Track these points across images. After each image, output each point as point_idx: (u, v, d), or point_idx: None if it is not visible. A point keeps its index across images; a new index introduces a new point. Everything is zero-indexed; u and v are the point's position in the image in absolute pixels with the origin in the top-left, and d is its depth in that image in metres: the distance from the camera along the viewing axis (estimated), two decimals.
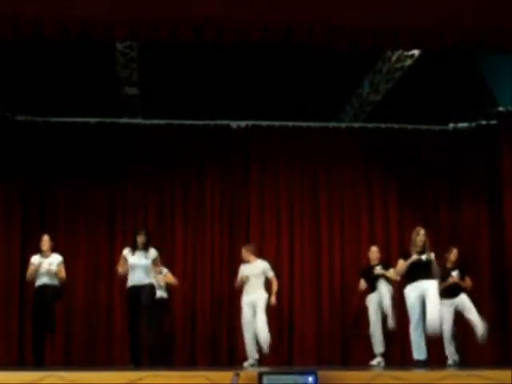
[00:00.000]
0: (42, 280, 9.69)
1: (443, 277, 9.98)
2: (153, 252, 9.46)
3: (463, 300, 9.90)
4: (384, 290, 10.17)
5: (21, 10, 7.42)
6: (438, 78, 10.46)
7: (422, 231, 9.45)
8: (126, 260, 9.38)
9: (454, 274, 10.02)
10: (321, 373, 6.93)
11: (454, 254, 10.16)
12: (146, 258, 9.47)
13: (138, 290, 9.32)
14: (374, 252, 10.43)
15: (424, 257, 9.34)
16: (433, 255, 9.38)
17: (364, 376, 7.40)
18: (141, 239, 9.41)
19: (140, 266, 9.43)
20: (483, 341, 9.62)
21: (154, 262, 9.44)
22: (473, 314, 9.81)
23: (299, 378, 6.83)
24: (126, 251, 9.43)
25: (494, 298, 10.80)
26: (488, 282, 10.84)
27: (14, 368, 8.74)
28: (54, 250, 9.85)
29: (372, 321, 10.31)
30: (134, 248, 9.43)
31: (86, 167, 10.96)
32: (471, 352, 10.10)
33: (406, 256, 9.44)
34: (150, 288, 9.39)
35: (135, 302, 9.32)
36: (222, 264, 10.95)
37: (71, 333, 10.60)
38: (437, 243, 10.72)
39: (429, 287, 9.16)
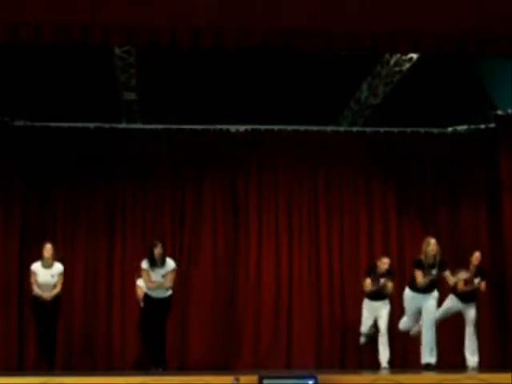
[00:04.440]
0: (46, 293, 9.70)
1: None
2: (171, 264, 9.83)
3: (470, 324, 9.84)
4: (383, 313, 10.14)
5: (20, 16, 7.41)
6: (436, 81, 10.48)
7: (433, 241, 9.22)
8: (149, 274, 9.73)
9: (476, 280, 9.93)
10: (321, 376, 6.94)
11: (476, 258, 9.93)
12: (163, 274, 9.75)
13: (157, 300, 9.75)
14: (386, 263, 10.19)
15: (434, 272, 9.19)
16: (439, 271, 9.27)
17: (364, 379, 7.42)
18: (158, 251, 9.71)
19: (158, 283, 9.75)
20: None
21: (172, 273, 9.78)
22: (471, 344, 9.78)
23: (299, 382, 6.84)
24: (146, 265, 9.74)
25: (494, 301, 10.78)
26: (487, 285, 10.81)
27: (13, 373, 8.73)
28: (54, 257, 9.87)
29: (362, 330, 10.30)
30: (152, 262, 9.73)
31: (84, 172, 10.94)
32: None
33: (420, 265, 9.24)
34: (169, 302, 9.83)
35: (152, 309, 9.75)
36: (221, 266, 10.93)
37: (70, 337, 10.56)
38: None
39: (427, 308, 9.14)
